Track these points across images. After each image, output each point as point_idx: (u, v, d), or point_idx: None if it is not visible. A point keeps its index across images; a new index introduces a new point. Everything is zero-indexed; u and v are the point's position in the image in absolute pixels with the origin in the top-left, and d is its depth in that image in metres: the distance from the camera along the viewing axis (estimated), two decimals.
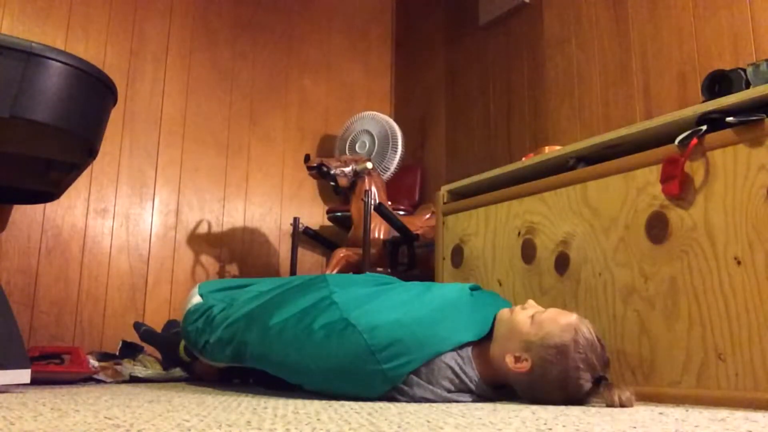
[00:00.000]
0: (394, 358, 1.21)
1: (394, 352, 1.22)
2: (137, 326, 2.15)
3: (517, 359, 1.20)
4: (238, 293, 1.66)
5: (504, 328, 1.27)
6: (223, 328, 1.52)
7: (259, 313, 1.48)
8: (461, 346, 1.26)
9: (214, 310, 1.61)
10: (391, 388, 1.23)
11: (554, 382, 1.16)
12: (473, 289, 1.45)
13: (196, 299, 1.70)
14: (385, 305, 1.34)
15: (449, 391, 1.23)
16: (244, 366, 1.50)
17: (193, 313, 1.65)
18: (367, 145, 2.90)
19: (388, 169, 2.83)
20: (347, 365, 1.25)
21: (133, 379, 1.96)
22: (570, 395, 1.16)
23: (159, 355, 2.13)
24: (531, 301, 1.32)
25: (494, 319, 1.32)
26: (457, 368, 1.24)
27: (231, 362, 1.53)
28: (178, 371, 2.04)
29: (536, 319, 1.22)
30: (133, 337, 2.39)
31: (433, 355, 1.23)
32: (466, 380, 1.24)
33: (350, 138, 2.98)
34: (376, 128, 2.91)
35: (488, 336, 1.29)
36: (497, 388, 1.28)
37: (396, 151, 2.84)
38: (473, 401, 1.25)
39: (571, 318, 1.20)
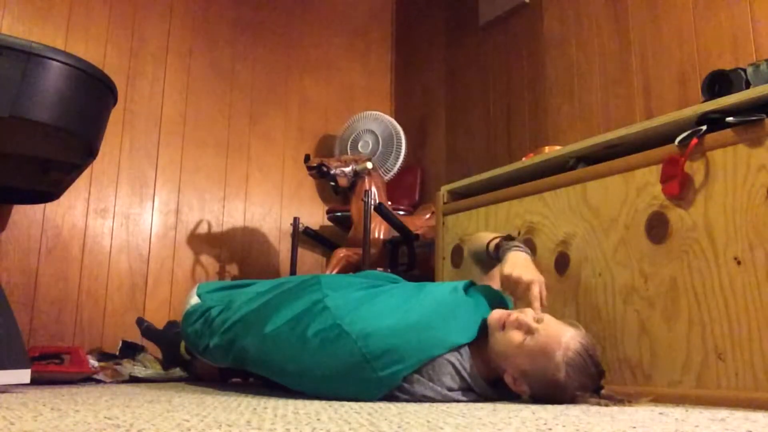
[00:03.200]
0: (390, 366, 1.21)
1: (389, 360, 1.21)
2: (140, 322, 2.15)
3: (516, 380, 1.22)
4: (235, 294, 1.66)
5: (498, 343, 1.24)
6: (220, 334, 1.51)
7: (255, 319, 1.46)
8: (458, 347, 1.26)
9: (212, 311, 1.60)
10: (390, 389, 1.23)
11: (552, 399, 1.19)
12: (468, 286, 1.45)
13: (195, 300, 1.70)
14: (377, 310, 1.33)
15: (450, 389, 1.23)
16: (246, 369, 1.51)
17: (192, 315, 1.65)
18: (371, 145, 2.90)
19: (391, 170, 2.86)
20: (344, 372, 1.25)
21: (133, 379, 1.96)
22: (569, 405, 1.18)
23: (159, 355, 2.14)
24: (529, 311, 1.25)
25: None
26: (458, 365, 1.24)
27: (233, 365, 1.53)
28: (178, 371, 2.04)
29: (527, 349, 1.18)
30: (134, 337, 2.39)
31: (430, 357, 1.23)
32: (467, 378, 1.25)
33: (352, 137, 2.97)
34: (379, 128, 2.92)
35: (485, 332, 1.29)
36: (496, 384, 1.28)
37: (399, 153, 2.87)
38: (473, 400, 1.25)
39: (560, 348, 1.16)
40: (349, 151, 2.92)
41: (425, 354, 1.23)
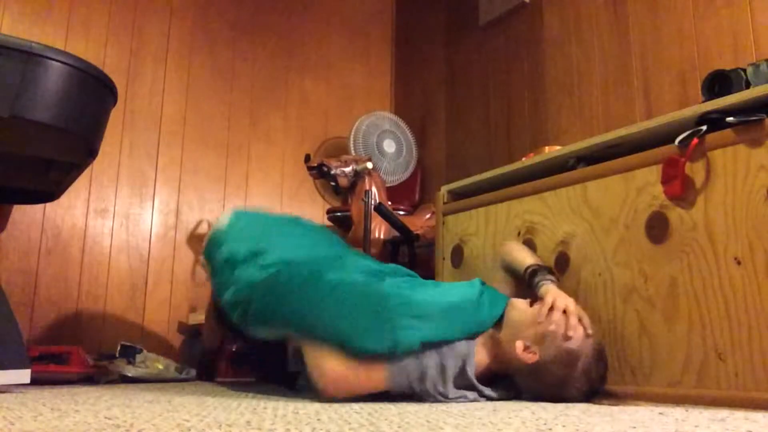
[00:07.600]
0: (405, 316, 1.26)
1: (407, 311, 1.27)
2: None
3: (527, 348, 1.24)
4: (266, 244, 1.54)
5: (519, 315, 1.30)
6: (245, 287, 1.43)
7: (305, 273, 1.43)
8: (472, 336, 1.31)
9: (238, 256, 1.50)
10: (398, 350, 1.23)
11: (554, 382, 1.21)
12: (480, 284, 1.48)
13: (224, 222, 1.61)
14: (418, 289, 1.40)
15: (450, 377, 1.26)
16: (244, 330, 1.43)
17: (214, 241, 1.57)
18: (394, 147, 2.92)
19: (401, 179, 2.92)
20: (360, 306, 1.29)
21: (125, 379, 1.96)
22: (564, 398, 1.22)
23: (160, 354, 2.14)
24: (549, 299, 1.32)
25: (506, 305, 1.36)
26: (461, 362, 1.27)
27: (234, 311, 1.43)
28: (173, 371, 2.04)
29: (559, 319, 1.24)
30: (133, 339, 2.39)
31: (446, 338, 1.27)
32: (469, 373, 1.26)
33: (378, 132, 2.92)
34: (402, 136, 2.96)
35: (496, 324, 1.34)
36: (491, 383, 1.29)
37: (413, 167, 2.96)
38: (473, 400, 1.25)
39: (589, 331, 1.24)
40: (375, 146, 2.90)
41: (443, 330, 1.27)
